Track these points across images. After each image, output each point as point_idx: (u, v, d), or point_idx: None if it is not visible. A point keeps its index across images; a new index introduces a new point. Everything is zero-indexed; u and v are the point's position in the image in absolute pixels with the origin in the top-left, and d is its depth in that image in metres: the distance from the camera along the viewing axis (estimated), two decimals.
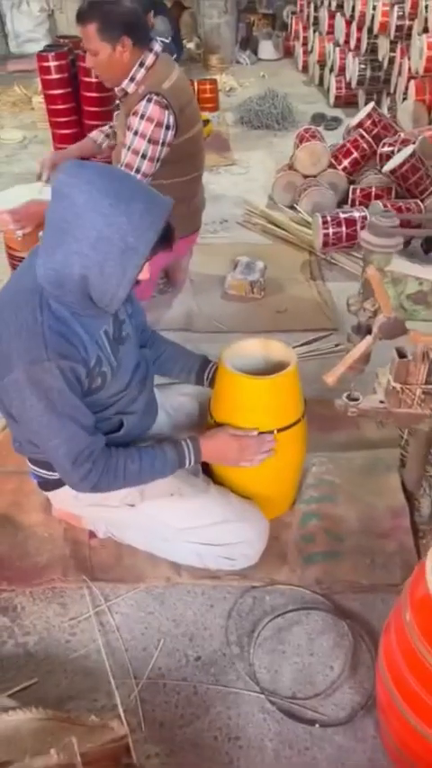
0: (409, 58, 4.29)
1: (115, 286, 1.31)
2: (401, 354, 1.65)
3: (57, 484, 1.69)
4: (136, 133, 2.26)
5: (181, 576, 1.73)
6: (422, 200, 3.35)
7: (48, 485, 1.72)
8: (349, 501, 1.90)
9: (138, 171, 2.28)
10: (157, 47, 2.32)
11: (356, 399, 1.71)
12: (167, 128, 2.26)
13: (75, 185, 1.25)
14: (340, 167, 3.83)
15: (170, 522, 1.68)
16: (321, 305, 2.92)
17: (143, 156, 2.27)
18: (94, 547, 1.81)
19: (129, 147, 2.28)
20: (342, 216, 3.15)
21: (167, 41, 4.20)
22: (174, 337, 1.91)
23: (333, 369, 1.56)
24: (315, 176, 3.81)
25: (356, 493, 1.92)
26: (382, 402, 1.73)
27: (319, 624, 1.63)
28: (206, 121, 5.00)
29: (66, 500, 1.73)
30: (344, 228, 3.12)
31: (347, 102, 5.65)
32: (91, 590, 1.71)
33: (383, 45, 4.88)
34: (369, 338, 1.55)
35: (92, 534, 1.83)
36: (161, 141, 2.27)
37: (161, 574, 1.74)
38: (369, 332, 1.59)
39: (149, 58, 2.29)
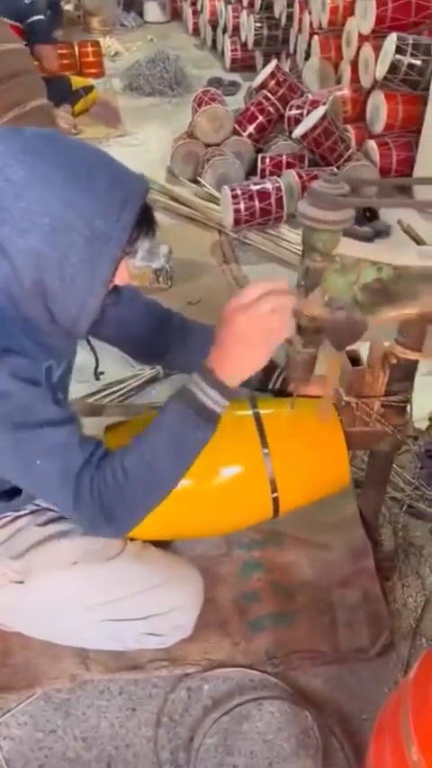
0: (309, 13, 3.92)
1: (82, 293, 0.93)
2: (355, 361, 1.29)
3: None
4: None
5: (90, 669, 1.31)
6: (338, 168, 3.01)
7: None
8: (298, 542, 1.53)
9: None
10: None
11: None
12: None
13: (9, 156, 0.88)
14: (245, 134, 3.43)
15: (76, 598, 1.24)
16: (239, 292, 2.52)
17: None
18: None
19: None
20: (254, 188, 2.76)
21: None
22: None
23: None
24: (218, 145, 3.39)
25: (306, 530, 1.55)
26: None
27: (275, 718, 1.26)
28: (90, 87, 4.46)
29: None
30: (257, 203, 2.72)
31: (245, 65, 5.24)
32: None
33: (279, 0, 4.50)
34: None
35: None
36: None
37: (64, 671, 1.31)
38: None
39: None
